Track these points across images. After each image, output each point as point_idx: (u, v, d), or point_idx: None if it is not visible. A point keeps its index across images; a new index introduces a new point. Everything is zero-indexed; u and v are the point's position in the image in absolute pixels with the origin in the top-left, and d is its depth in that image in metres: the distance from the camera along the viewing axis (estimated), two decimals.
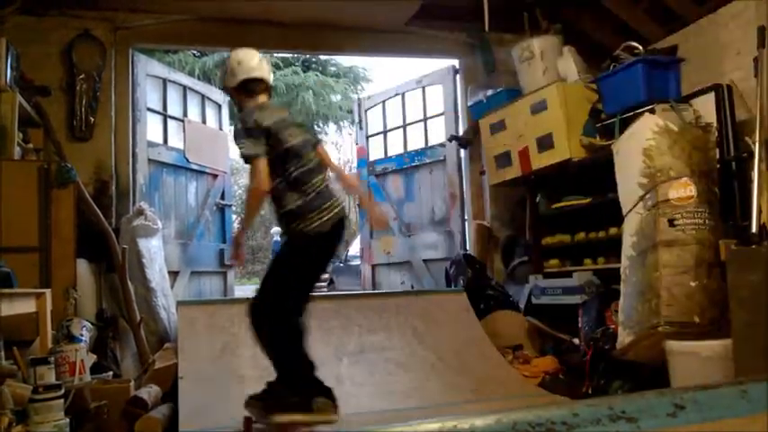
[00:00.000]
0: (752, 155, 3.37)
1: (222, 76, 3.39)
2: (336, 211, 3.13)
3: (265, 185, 3.00)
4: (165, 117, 5.76)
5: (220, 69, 3.51)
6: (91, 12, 5.12)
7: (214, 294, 5.97)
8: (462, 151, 6.10)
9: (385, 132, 6.76)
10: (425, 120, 6.45)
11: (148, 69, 5.58)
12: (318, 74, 14.76)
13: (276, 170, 3.05)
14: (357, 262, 8.87)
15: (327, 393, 2.99)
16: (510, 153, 5.03)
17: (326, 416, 2.91)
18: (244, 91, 3.25)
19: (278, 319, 3.04)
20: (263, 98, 3.27)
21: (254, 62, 3.26)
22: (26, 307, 3.26)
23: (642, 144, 3.55)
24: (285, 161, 3.08)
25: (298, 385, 2.99)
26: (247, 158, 3.02)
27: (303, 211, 3.06)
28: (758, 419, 0.81)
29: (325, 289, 13.31)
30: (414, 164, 6.47)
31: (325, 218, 3.07)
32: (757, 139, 3.36)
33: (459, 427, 0.78)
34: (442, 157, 6.26)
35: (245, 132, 3.03)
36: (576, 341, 4.33)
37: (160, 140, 5.66)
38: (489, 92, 5.46)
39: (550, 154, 4.65)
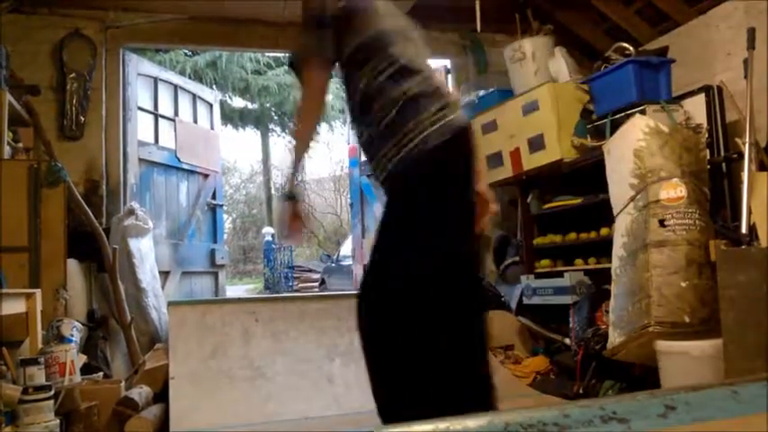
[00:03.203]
0: (742, 156, 3.38)
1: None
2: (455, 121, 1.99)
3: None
4: (157, 116, 5.74)
5: None
6: (81, 10, 5.09)
7: (205, 294, 5.96)
8: None
9: None
10: None
11: (139, 68, 5.55)
12: None
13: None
14: (349, 262, 8.87)
15: None
16: (501, 153, 5.03)
17: None
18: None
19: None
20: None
21: None
22: (16, 307, 3.24)
23: (633, 145, 3.57)
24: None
25: None
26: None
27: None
28: (749, 420, 0.82)
29: (317, 289, 13.31)
30: None
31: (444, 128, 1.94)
32: (747, 139, 3.38)
33: (451, 428, 0.78)
34: None
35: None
36: (568, 341, 4.34)
37: (151, 140, 5.64)
38: (481, 92, 5.46)
39: (542, 154, 4.66)
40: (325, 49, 2.03)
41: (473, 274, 1.96)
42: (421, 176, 1.87)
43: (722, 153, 3.99)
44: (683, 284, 3.29)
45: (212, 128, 6.45)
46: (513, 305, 5.15)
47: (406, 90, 1.95)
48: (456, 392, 1.76)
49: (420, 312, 1.80)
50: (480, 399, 1.83)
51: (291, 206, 2.03)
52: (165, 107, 5.86)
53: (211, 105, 6.49)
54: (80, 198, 4.55)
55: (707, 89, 4.13)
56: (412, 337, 1.80)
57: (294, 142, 2.13)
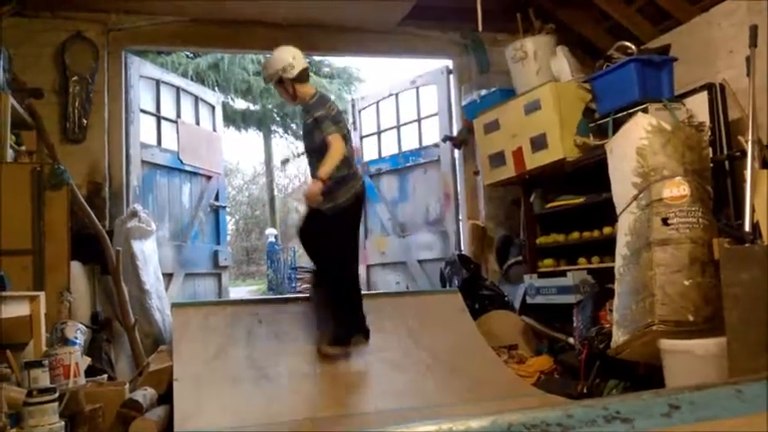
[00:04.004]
0: (744, 153, 3.38)
1: (273, 71, 4.04)
2: (357, 187, 4.09)
3: (343, 152, 3.91)
4: (159, 118, 5.75)
5: (267, 67, 4.13)
6: (83, 13, 5.10)
7: (208, 296, 5.96)
8: (456, 151, 6.11)
9: (379, 133, 6.76)
10: (419, 120, 6.45)
11: (141, 71, 5.56)
12: (312, 74, 14.78)
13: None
14: None
15: (365, 332, 4.06)
16: (504, 153, 5.03)
17: (358, 345, 4.06)
18: (300, 80, 4.04)
19: (332, 277, 4.08)
20: (309, 85, 4.16)
21: (300, 54, 4.07)
22: (20, 310, 3.24)
23: (635, 143, 3.56)
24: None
25: (343, 324, 4.03)
26: (328, 135, 3.88)
27: (342, 185, 3.97)
28: (753, 419, 0.81)
29: None
30: (408, 164, 6.47)
31: (351, 192, 4.03)
32: (750, 137, 3.38)
33: (455, 429, 0.79)
34: (436, 158, 6.26)
35: (331, 118, 3.93)
36: (571, 340, 4.34)
37: (154, 142, 5.65)
38: (483, 92, 5.46)
39: (544, 154, 4.66)
40: (340, 129, 3.96)
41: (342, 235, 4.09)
42: (333, 210, 3.97)
43: (725, 151, 3.98)
44: (687, 283, 3.29)
45: (215, 129, 6.46)
46: (517, 305, 5.14)
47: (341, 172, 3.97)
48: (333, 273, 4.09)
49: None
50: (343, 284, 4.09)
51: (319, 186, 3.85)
52: (168, 109, 5.87)
53: (213, 107, 6.50)
54: (83, 201, 4.55)
55: (709, 87, 4.12)
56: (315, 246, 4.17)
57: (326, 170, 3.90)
